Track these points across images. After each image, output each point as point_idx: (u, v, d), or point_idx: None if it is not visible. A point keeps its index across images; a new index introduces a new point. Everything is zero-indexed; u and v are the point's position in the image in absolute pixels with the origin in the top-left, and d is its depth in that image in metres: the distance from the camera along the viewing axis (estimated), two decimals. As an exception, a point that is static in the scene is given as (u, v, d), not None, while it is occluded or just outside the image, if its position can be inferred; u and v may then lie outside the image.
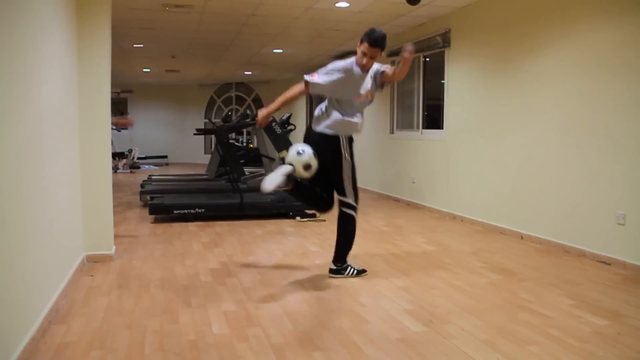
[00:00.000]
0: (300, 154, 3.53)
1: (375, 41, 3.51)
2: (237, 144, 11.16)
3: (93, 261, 4.04)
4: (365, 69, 3.61)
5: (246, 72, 12.51)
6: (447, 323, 2.85)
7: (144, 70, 12.02)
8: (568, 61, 4.55)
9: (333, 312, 3.04)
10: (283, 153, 6.64)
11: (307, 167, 3.53)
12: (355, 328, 2.78)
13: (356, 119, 3.68)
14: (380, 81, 3.72)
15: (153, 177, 8.87)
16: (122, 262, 4.11)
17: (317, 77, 3.58)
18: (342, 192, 3.69)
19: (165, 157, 15.26)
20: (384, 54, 3.88)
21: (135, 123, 12.68)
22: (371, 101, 3.77)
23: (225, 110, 14.90)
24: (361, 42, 3.55)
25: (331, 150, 3.60)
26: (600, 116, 4.23)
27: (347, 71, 3.57)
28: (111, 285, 3.50)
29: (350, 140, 3.68)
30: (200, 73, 12.65)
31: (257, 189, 6.89)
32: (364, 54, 3.53)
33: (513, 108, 5.25)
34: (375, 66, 3.69)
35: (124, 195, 8.21)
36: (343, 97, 3.61)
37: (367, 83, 3.65)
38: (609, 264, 4.09)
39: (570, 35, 4.52)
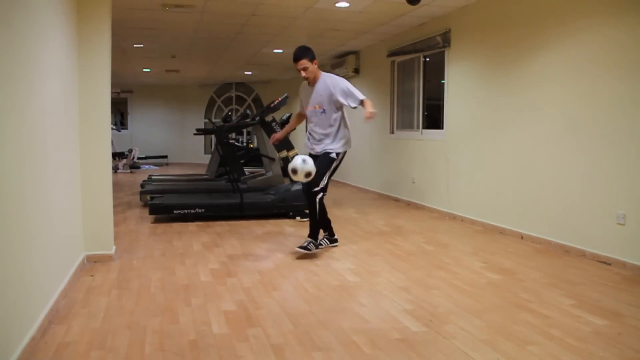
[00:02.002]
0: (305, 162, 4.06)
1: (294, 57, 4.23)
2: (237, 144, 11.17)
3: (93, 261, 4.04)
4: (310, 83, 4.33)
5: (246, 72, 12.51)
6: (447, 323, 2.85)
7: (144, 70, 12.02)
8: (568, 61, 4.55)
9: (333, 312, 3.04)
10: (283, 153, 6.65)
11: (308, 175, 4.08)
12: (355, 328, 2.78)
13: (309, 139, 4.47)
14: (342, 102, 4.27)
15: (153, 177, 8.87)
16: (122, 262, 4.11)
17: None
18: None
19: (165, 157, 15.25)
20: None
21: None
22: (323, 112, 4.31)
23: (225, 110, 14.90)
24: None
25: None
26: (601, 116, 4.23)
27: (302, 88, 4.46)
28: (111, 285, 3.50)
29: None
30: (200, 73, 12.65)
31: (257, 189, 6.96)
32: (298, 71, 4.27)
33: (513, 108, 5.25)
34: (339, 83, 4.27)
35: (124, 195, 8.21)
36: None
37: (317, 96, 4.31)
38: (609, 264, 4.09)
39: (569, 35, 4.52)
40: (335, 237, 4.71)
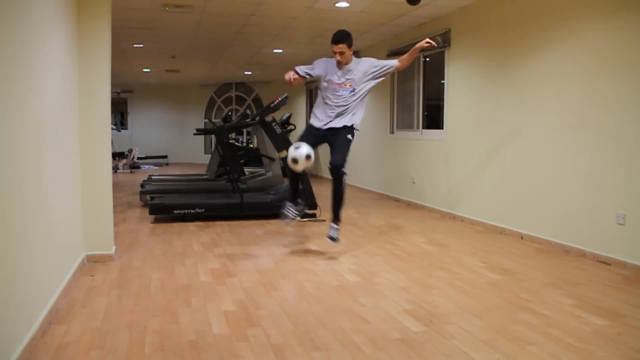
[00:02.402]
0: (298, 148, 4.03)
1: (335, 38, 4.13)
2: (237, 144, 11.17)
3: (93, 261, 4.04)
4: (341, 64, 4.20)
5: (246, 72, 12.50)
6: (447, 323, 2.85)
7: (144, 70, 12.02)
8: (568, 61, 4.55)
9: (333, 312, 3.04)
10: (283, 153, 6.64)
11: (308, 157, 4.02)
12: (355, 328, 2.78)
13: (324, 111, 4.29)
14: (383, 73, 4.29)
15: (153, 177, 8.87)
16: (122, 262, 4.11)
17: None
18: None
19: (165, 157, 15.25)
20: (384, 53, 4.19)
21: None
22: (352, 92, 4.23)
23: (225, 110, 14.90)
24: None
25: None
26: (601, 116, 4.23)
27: (328, 61, 4.29)
28: (111, 285, 3.50)
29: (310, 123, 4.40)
30: (200, 73, 12.65)
31: (257, 189, 6.96)
32: (334, 53, 4.17)
33: (513, 108, 5.25)
34: (370, 62, 4.26)
35: (124, 195, 8.21)
36: (322, 80, 4.31)
37: (349, 73, 4.22)
38: (609, 264, 4.09)
39: (570, 34, 4.52)
40: (300, 201, 4.53)
